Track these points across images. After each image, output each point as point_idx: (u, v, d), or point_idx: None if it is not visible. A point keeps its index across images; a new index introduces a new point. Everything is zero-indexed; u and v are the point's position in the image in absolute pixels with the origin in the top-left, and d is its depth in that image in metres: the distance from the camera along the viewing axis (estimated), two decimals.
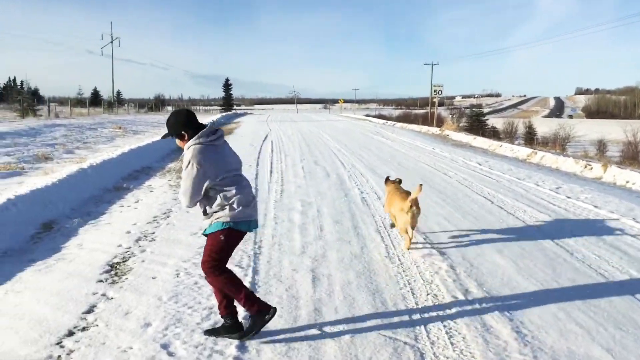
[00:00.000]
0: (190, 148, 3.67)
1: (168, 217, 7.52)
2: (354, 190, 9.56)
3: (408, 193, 6.50)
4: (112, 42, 72.27)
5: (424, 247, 6.05)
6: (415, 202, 5.97)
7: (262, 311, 3.80)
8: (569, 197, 8.92)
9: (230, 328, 3.85)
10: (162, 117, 45.29)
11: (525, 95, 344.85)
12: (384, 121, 43.94)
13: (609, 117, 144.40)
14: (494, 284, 4.92)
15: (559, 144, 42.63)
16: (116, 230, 6.83)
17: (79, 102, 61.12)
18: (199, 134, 3.71)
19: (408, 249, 5.96)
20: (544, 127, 63.24)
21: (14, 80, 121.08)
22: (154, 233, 6.66)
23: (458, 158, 14.65)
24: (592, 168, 13.24)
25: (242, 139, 21.23)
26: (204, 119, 41.83)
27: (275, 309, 3.86)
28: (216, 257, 3.73)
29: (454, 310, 4.34)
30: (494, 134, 55.63)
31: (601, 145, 42.69)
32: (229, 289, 3.76)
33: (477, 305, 4.43)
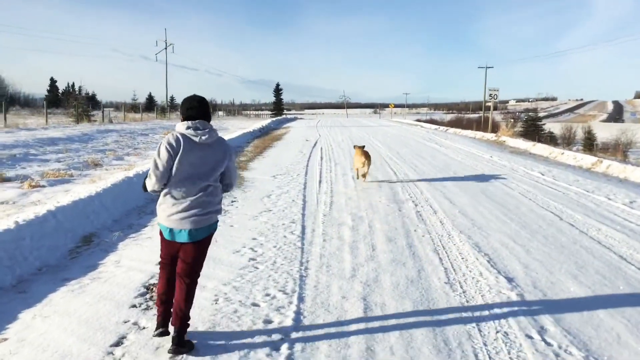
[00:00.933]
0: (223, 140, 3.86)
1: None
2: (408, 203, 8.97)
3: (365, 153, 11.19)
4: (166, 48, 73.75)
5: (488, 270, 5.42)
6: (364, 158, 11.01)
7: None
8: None
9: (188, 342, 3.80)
10: (213, 122, 45.42)
11: (582, 99, 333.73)
12: (436, 126, 42.91)
13: None
14: (572, 321, 4.27)
15: (620, 150, 40.57)
16: (156, 245, 6.45)
17: (132, 107, 62.53)
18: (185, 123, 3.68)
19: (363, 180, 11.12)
20: (604, 132, 60.54)
21: (72, 85, 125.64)
22: None
23: (518, 167, 13.80)
24: None
25: (291, 145, 20.89)
26: (255, 123, 41.91)
27: (160, 332, 3.83)
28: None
29: (529, 354, 3.73)
30: (550, 139, 53.59)
31: None
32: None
33: (554, 346, 3.80)
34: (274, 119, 55.66)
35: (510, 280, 5.18)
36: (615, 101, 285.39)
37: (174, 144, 3.55)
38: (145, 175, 3.82)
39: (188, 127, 3.60)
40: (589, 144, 48.29)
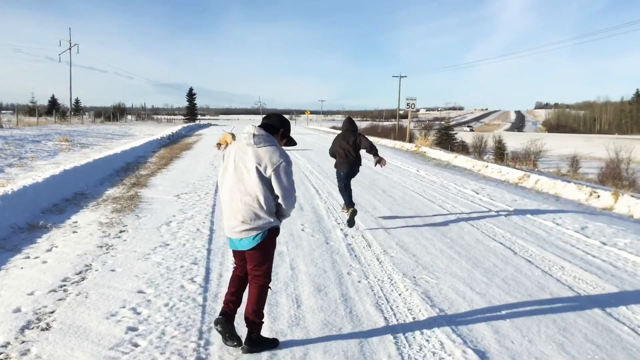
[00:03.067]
0: (280, 149, 3.73)
1: (83, 280, 5.37)
2: (336, 232, 7.59)
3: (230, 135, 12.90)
4: (70, 48, 69.03)
5: (451, 340, 4.09)
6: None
7: None
8: (604, 244, 7.13)
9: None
10: (118, 127, 42.63)
11: (487, 109, 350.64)
12: None
13: (569, 131, 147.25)
14: None
15: (531, 160, 41.70)
16: (1, 306, 4.69)
17: (30, 110, 57.55)
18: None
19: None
20: (512, 141, 62.72)
21: None
22: (52, 313, 4.52)
23: (449, 184, 12.83)
24: (599, 196, 11.61)
25: (201, 156, 19.04)
26: (165, 129, 39.38)
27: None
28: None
29: None
30: (462, 148, 54.66)
31: (574, 162, 41.93)
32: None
33: None
34: (185, 125, 53.08)
35: (483, 357, 3.87)
36: (517, 111, 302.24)
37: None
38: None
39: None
40: (500, 153, 49.52)
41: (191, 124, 63.60)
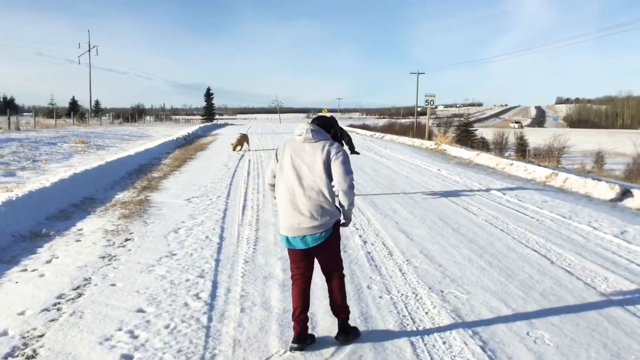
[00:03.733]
0: (336, 143, 3.85)
1: (80, 296, 4.93)
2: (354, 238, 7.07)
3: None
4: (89, 50, 69.57)
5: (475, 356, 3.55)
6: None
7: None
8: None
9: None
10: (136, 128, 42.54)
11: (506, 105, 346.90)
12: (372, 133, 41.50)
13: (590, 126, 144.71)
14: None
15: (555, 156, 40.70)
16: None
17: (50, 112, 57.83)
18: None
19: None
20: (533, 137, 61.48)
21: None
22: (42, 337, 4.07)
23: (472, 183, 12.20)
24: (633, 196, 10.93)
25: (215, 157, 18.61)
26: (182, 130, 39.13)
27: (295, 346, 3.81)
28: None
29: None
30: (483, 145, 53.64)
31: (599, 158, 40.81)
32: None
33: None
34: (202, 125, 52.89)
35: None
36: (537, 106, 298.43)
37: None
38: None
39: None
40: (522, 150, 48.51)
41: (208, 124, 63.39)
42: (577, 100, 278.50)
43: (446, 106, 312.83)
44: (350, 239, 7.01)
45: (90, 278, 5.44)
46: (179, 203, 9.38)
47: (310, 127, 3.79)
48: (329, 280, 3.98)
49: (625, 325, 4.33)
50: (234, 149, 20.29)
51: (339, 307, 3.93)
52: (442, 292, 5.07)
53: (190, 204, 9.34)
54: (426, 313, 4.55)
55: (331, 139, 3.87)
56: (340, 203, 3.85)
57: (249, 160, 16.88)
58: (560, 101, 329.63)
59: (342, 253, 6.24)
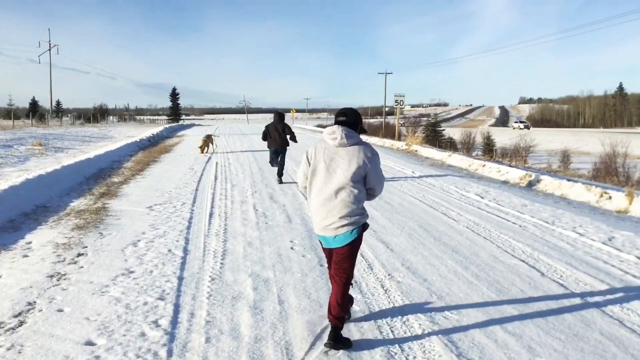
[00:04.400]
0: (367, 144, 3.91)
1: (21, 325, 4.28)
2: None
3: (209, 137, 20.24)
4: (50, 49, 67.48)
5: None
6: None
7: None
8: None
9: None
10: (98, 130, 41.25)
11: (471, 105, 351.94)
12: None
13: (553, 125, 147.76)
14: None
15: (521, 156, 40.98)
16: None
17: (8, 113, 55.79)
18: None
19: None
20: (499, 136, 62.05)
21: None
22: None
23: (449, 187, 11.81)
24: (610, 197, 10.72)
25: (180, 160, 17.86)
26: (146, 131, 38.02)
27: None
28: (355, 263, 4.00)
29: None
30: (451, 144, 53.80)
31: (564, 157, 41.25)
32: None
33: None
34: (167, 125, 51.70)
35: None
36: (501, 106, 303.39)
37: None
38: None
39: None
40: (489, 150, 48.75)
41: (174, 124, 62.11)
42: (539, 100, 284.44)
43: (413, 106, 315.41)
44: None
45: (34, 302, 4.79)
46: (139, 211, 8.72)
47: (344, 132, 3.81)
48: (334, 281, 3.98)
49: (635, 348, 3.92)
50: (202, 152, 19.72)
51: (333, 311, 3.87)
52: (430, 312, 4.59)
53: (152, 212, 8.69)
54: (416, 338, 4.07)
55: (362, 141, 3.90)
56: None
57: (216, 163, 16.20)
58: (523, 101, 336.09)
59: (317, 267, 5.75)
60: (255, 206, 9.22)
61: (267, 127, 12.03)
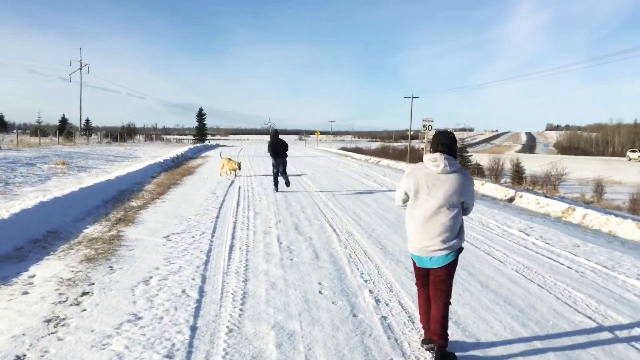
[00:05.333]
0: (464, 171, 4.22)
1: None
2: (364, 294, 5.78)
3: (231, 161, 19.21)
4: (80, 68, 68.57)
5: None
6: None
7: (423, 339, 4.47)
8: None
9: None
10: (123, 149, 41.22)
11: (497, 130, 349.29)
12: (366, 157, 40.31)
13: (581, 153, 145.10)
14: None
15: (555, 184, 39.75)
16: None
17: (36, 130, 56.29)
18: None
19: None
20: (528, 163, 60.66)
21: None
22: None
23: (488, 220, 10.94)
24: None
25: (203, 183, 17.28)
26: (171, 151, 37.83)
27: (431, 346, 4.26)
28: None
29: None
30: (478, 171, 52.70)
31: (598, 187, 39.84)
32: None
33: None
34: (191, 146, 51.63)
35: None
36: (528, 132, 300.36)
37: None
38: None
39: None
40: (518, 177, 47.53)
41: (198, 144, 62.17)
42: (567, 127, 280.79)
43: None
44: (359, 296, 5.73)
45: (23, 356, 4.12)
46: (155, 241, 8.07)
47: (447, 161, 4.06)
48: (435, 302, 4.18)
49: None
50: (222, 174, 19.45)
51: (436, 332, 4.12)
52: None
53: (168, 242, 8.04)
54: None
55: (461, 168, 4.17)
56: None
57: (239, 188, 15.58)
58: (550, 128, 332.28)
59: (350, 317, 4.84)
60: (279, 238, 8.51)
61: (271, 143, 14.80)
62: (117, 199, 12.54)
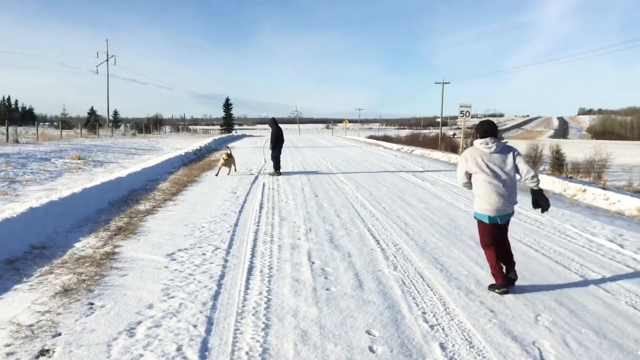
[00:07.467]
0: (509, 145, 5.41)
1: None
2: (433, 350, 4.07)
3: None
4: (107, 60, 68.09)
5: None
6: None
7: (494, 285, 5.35)
8: None
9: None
10: (147, 141, 40.04)
11: (528, 115, 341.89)
12: (398, 146, 38.15)
13: (615, 137, 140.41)
14: None
15: (599, 172, 37.26)
16: None
17: (63, 122, 55.61)
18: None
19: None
20: (566, 149, 57.79)
21: (9, 99, 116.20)
22: None
23: (563, 226, 8.76)
24: None
25: (223, 180, 15.71)
26: (196, 142, 36.47)
27: (505, 290, 5.26)
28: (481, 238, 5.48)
29: None
30: None
31: None
32: (489, 262, 5.38)
33: None
34: (216, 137, 50.26)
35: None
36: (560, 117, 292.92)
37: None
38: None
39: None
40: (558, 165, 44.97)
41: (224, 135, 60.88)
42: (600, 112, 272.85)
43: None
44: (426, 354, 4.02)
45: None
46: (156, 262, 6.46)
47: (495, 143, 5.21)
48: (505, 245, 5.42)
49: None
50: (223, 171, 16.94)
51: (511, 262, 5.40)
52: None
53: (172, 263, 6.41)
54: None
55: (505, 144, 5.30)
56: (531, 180, 5.26)
57: (263, 185, 13.92)
58: (583, 112, 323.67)
59: None
60: (310, 255, 6.80)
61: (274, 131, 16.86)
62: (125, 201, 11.00)
